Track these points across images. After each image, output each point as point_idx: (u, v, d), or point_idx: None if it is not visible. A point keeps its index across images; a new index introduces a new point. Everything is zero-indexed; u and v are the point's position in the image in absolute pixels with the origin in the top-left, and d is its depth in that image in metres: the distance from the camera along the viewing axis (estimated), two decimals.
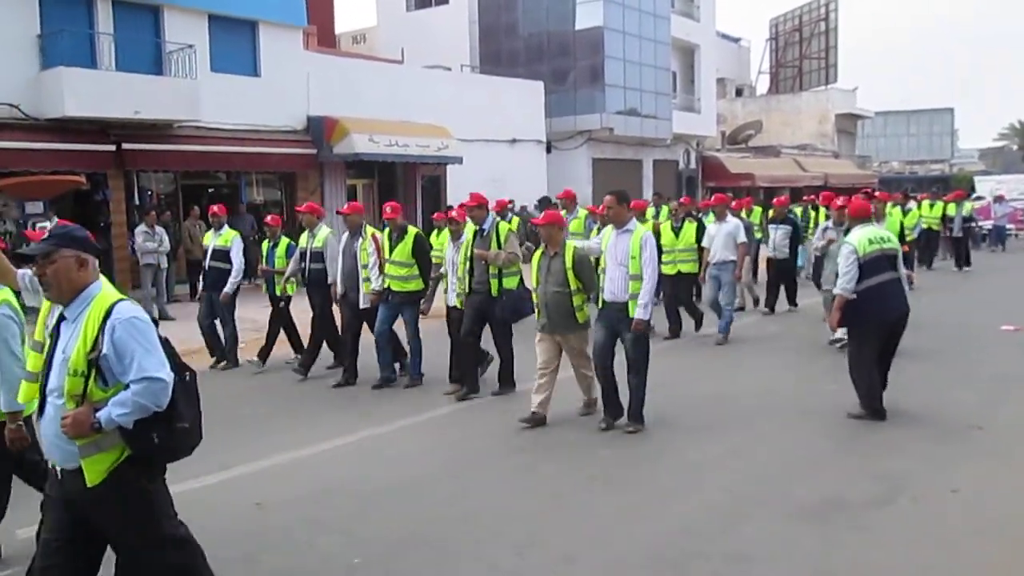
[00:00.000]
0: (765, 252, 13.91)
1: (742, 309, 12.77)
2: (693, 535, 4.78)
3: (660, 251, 9.85)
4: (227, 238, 9.79)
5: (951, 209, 19.86)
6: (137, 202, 15.85)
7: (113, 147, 14.78)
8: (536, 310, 7.11)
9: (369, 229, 8.76)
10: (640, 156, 29.31)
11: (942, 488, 5.43)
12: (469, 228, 8.15)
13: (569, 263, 6.85)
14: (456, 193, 20.64)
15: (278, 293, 9.72)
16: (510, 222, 11.61)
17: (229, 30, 17.13)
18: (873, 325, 6.92)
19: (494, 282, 7.91)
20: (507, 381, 8.16)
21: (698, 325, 11.16)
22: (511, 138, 23.66)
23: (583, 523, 4.99)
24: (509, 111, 23.41)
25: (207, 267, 9.90)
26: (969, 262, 19.41)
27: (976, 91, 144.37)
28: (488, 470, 5.99)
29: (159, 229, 13.58)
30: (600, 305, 6.89)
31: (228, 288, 9.55)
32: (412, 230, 8.60)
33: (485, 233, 7.98)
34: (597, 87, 26.31)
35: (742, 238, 10.63)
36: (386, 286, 8.46)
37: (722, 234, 10.60)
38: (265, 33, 17.70)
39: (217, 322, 9.97)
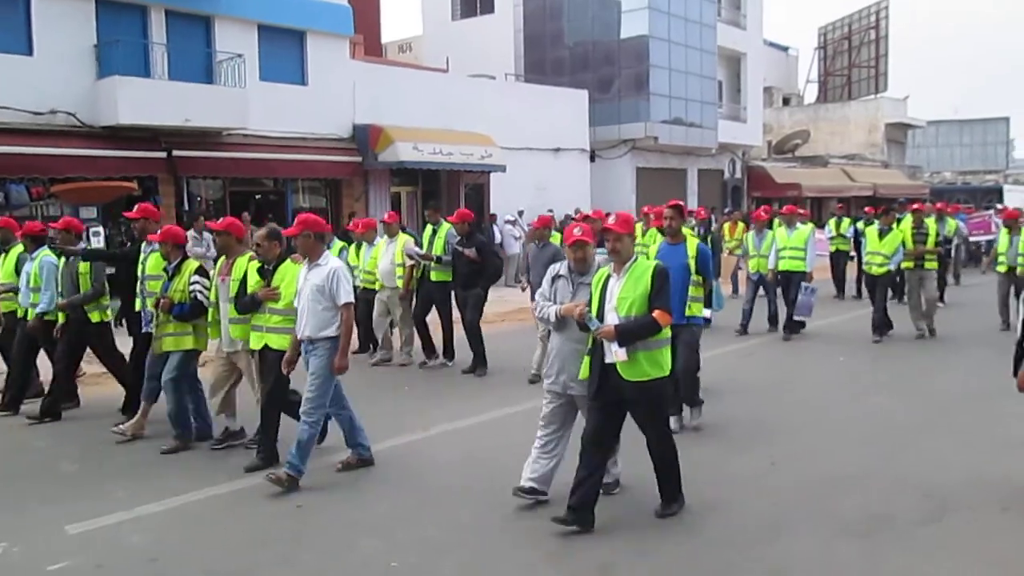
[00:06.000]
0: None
1: None
2: (734, 547, 4.71)
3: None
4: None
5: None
6: (186, 208, 16.18)
7: (164, 154, 15.12)
8: None
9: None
10: (685, 165, 29.08)
11: (992, 506, 5.27)
12: None
13: None
14: (499, 201, 20.69)
15: None
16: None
17: (278, 40, 17.43)
18: None
19: None
20: None
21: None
22: (555, 147, 23.64)
23: (621, 532, 4.94)
24: (553, 120, 23.40)
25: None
26: (942, 297, 14.84)
27: None
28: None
29: (207, 235, 13.82)
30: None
31: None
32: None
33: None
34: (642, 96, 26.18)
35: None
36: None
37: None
38: (313, 42, 17.96)
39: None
